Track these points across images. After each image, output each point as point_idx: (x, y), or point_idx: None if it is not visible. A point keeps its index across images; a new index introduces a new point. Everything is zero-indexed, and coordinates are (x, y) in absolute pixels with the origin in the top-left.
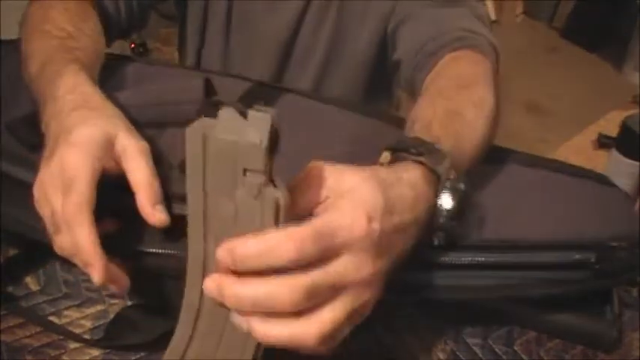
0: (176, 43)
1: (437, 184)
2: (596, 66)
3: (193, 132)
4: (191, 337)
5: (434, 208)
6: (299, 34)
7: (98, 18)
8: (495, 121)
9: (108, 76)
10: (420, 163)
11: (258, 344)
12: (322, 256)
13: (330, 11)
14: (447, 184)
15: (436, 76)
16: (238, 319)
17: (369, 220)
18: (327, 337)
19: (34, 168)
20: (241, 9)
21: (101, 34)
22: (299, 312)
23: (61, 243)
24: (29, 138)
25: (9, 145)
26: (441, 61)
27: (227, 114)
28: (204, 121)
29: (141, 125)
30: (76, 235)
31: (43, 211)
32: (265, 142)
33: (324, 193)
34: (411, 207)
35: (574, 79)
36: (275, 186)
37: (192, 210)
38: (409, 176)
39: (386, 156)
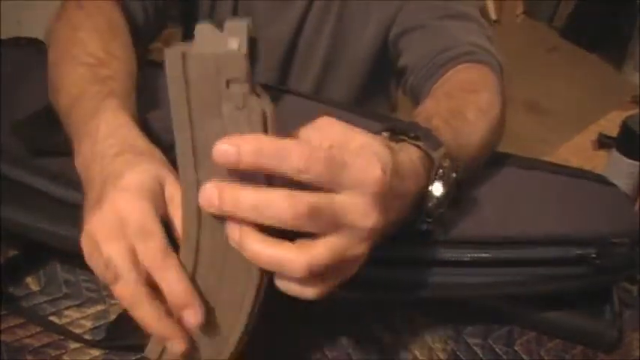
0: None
1: (430, 169)
2: (596, 66)
3: (172, 53)
4: (193, 276)
5: (424, 192)
6: (301, 35)
7: (128, 28)
8: (499, 128)
9: None
10: (417, 146)
11: (261, 278)
12: (331, 185)
13: (331, 12)
14: (440, 170)
15: (443, 82)
16: (232, 229)
17: (383, 170)
18: (313, 272)
19: (35, 171)
20: (246, 10)
21: (132, 49)
22: (293, 239)
23: (121, 292)
24: (32, 140)
25: (9, 147)
26: (450, 72)
27: (204, 30)
28: (182, 44)
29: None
30: (168, 279)
31: (96, 262)
32: (244, 48)
33: (328, 141)
34: (409, 176)
35: (574, 79)
36: (259, 96)
37: (180, 138)
38: (408, 151)
39: (384, 136)
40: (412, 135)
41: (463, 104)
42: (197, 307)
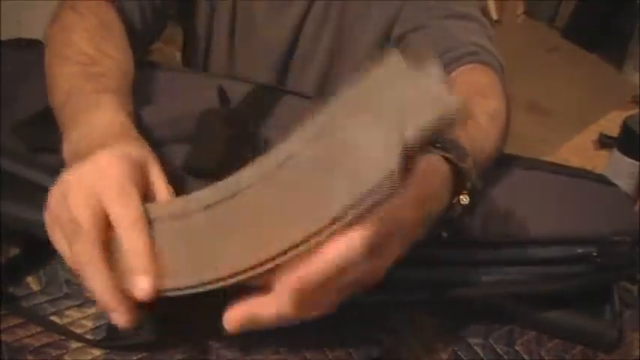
0: (177, 42)
1: (456, 181)
2: (597, 66)
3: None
4: None
5: (449, 201)
6: (301, 36)
7: (123, 28)
8: (505, 135)
9: None
10: (445, 158)
11: None
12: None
13: (331, 14)
14: (469, 183)
15: (452, 83)
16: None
17: None
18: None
19: (35, 166)
20: (245, 13)
21: (127, 48)
22: None
23: (79, 249)
24: (33, 139)
25: (9, 145)
26: (453, 72)
27: (393, 64)
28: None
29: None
30: (135, 240)
31: (60, 214)
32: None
33: None
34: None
35: (575, 79)
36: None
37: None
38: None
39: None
40: (438, 145)
41: (475, 110)
42: (152, 275)
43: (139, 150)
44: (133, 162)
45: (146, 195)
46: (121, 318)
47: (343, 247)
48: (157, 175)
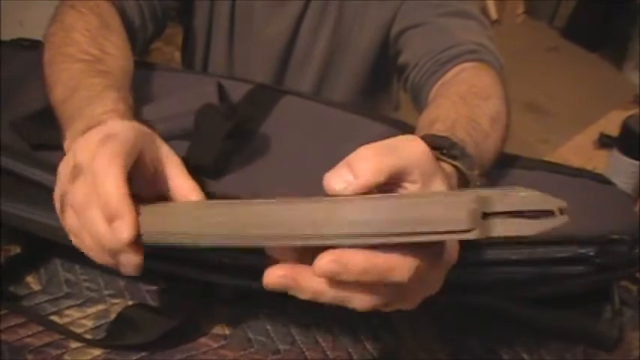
0: (176, 42)
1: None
2: (597, 66)
3: None
4: None
5: None
6: (298, 35)
7: (123, 28)
8: (506, 137)
9: None
10: (454, 166)
11: None
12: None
13: (329, 13)
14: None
15: (454, 82)
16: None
17: None
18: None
19: (35, 164)
20: (243, 12)
21: (127, 47)
22: None
23: (68, 221)
24: (33, 136)
25: (10, 143)
26: (452, 70)
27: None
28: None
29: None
30: (104, 186)
31: (56, 192)
32: None
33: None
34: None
35: (575, 78)
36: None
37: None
38: (446, 171)
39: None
40: (445, 152)
41: (478, 112)
42: (129, 219)
43: (144, 127)
44: (137, 129)
45: (152, 178)
46: (126, 227)
47: (397, 261)
48: (168, 152)
